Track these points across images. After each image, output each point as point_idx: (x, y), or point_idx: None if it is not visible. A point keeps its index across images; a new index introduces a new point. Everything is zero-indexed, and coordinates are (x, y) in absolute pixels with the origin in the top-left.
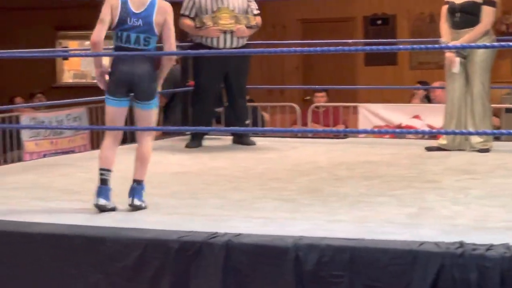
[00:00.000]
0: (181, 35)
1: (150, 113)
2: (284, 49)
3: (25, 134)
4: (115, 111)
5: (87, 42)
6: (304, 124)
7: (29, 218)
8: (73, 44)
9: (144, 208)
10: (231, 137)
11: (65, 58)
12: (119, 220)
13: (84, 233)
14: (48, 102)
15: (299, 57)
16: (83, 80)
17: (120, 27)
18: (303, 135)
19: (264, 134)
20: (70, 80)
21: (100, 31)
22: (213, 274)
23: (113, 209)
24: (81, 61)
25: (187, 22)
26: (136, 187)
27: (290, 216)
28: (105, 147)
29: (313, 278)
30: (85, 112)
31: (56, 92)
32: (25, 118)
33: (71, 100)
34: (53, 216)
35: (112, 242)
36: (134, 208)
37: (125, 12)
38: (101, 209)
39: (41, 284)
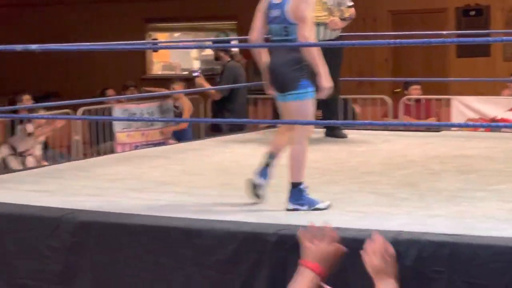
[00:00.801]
0: None
1: (291, 105)
2: (375, 41)
3: (117, 126)
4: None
5: (176, 34)
6: (395, 116)
7: (128, 210)
8: (161, 36)
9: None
10: (323, 130)
11: (155, 50)
12: (216, 213)
13: (181, 225)
14: (140, 95)
15: (389, 49)
16: (172, 72)
17: (267, 20)
18: (395, 128)
19: (355, 127)
20: (159, 72)
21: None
22: None
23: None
24: (169, 53)
25: None
26: (291, 190)
27: (386, 210)
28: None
29: (413, 273)
30: (172, 105)
31: (146, 84)
32: (117, 110)
33: (162, 92)
34: (150, 208)
35: (208, 235)
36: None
37: (269, 4)
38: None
39: (138, 275)
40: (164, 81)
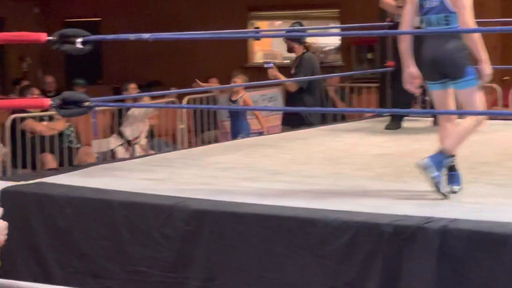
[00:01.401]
0: (380, 14)
1: (462, 93)
2: (482, 28)
3: (221, 115)
4: (438, 94)
5: (278, 22)
6: (505, 105)
7: (239, 198)
8: (263, 25)
9: (436, 178)
10: (431, 119)
11: (257, 38)
12: (329, 202)
13: (295, 214)
14: (248, 83)
15: (498, 36)
16: (273, 60)
17: (420, 12)
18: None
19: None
20: (261, 60)
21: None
22: (427, 259)
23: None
24: (271, 41)
25: (388, 0)
26: (437, 155)
27: (505, 201)
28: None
29: None
30: (279, 93)
31: (247, 72)
32: (222, 99)
33: (266, 81)
34: (263, 197)
35: (323, 225)
36: (422, 168)
37: None
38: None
39: (251, 264)
40: (265, 70)
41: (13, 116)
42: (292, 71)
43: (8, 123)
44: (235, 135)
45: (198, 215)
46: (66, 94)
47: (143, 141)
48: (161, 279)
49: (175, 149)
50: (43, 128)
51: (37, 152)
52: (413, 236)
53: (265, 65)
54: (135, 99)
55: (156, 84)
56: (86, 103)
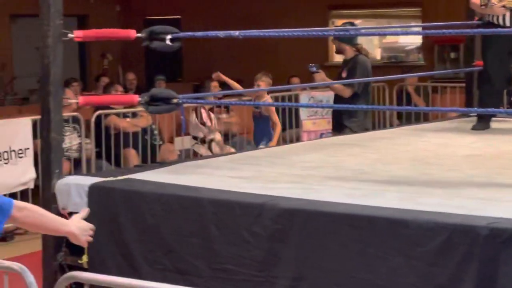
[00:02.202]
0: (468, 13)
1: None
2: None
3: (303, 113)
4: None
5: (358, 21)
6: None
7: (328, 198)
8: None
9: None
10: None
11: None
12: (421, 203)
13: (388, 215)
14: (327, 82)
15: None
16: None
17: None
18: None
19: None
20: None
21: None
22: None
23: None
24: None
25: (474, 0)
26: None
27: None
28: None
29: None
30: None
31: (327, 71)
32: (304, 97)
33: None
34: (352, 197)
35: (415, 226)
36: None
37: None
38: None
39: (341, 264)
40: None
41: (98, 112)
42: (344, 75)
43: (93, 119)
44: (257, 142)
45: (288, 213)
46: (155, 90)
47: (218, 137)
48: (249, 278)
49: (256, 147)
50: (127, 124)
51: (121, 148)
52: (511, 239)
53: (310, 69)
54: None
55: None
56: (175, 100)
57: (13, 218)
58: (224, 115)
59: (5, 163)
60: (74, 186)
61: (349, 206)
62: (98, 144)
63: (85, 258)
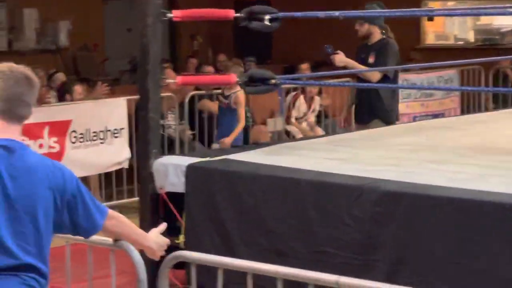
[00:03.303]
0: None
1: None
2: None
3: (397, 95)
4: None
5: (450, 3)
6: None
7: (429, 181)
8: (436, 6)
9: None
10: None
11: (430, 19)
12: None
13: (493, 199)
14: (420, 64)
15: None
16: (445, 42)
17: None
18: None
19: None
20: (432, 42)
21: None
22: None
23: None
24: (444, 22)
25: None
26: None
27: None
28: None
29: None
30: (456, 75)
31: (419, 54)
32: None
33: (442, 62)
34: (452, 180)
35: None
36: None
37: None
38: None
39: (443, 248)
40: (438, 51)
41: (191, 93)
42: (371, 60)
43: (187, 100)
44: (219, 136)
45: (389, 196)
46: (253, 71)
47: (310, 119)
48: (348, 261)
49: (347, 130)
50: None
51: (213, 129)
52: None
53: (327, 50)
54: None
55: (324, 64)
56: (273, 81)
57: (104, 225)
58: (317, 97)
59: (101, 143)
60: (171, 166)
61: (453, 190)
62: (191, 125)
63: (181, 238)
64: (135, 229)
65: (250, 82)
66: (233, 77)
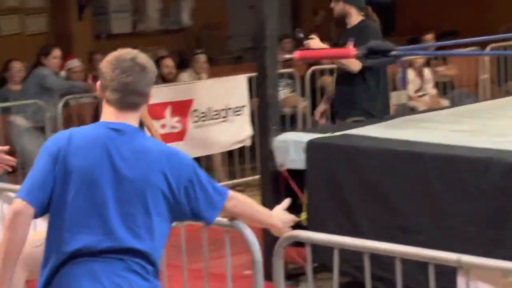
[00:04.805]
0: None
1: None
2: None
3: None
4: None
5: None
6: None
7: None
8: None
9: None
10: None
11: None
12: None
13: None
14: None
15: None
16: None
17: None
18: None
19: None
20: None
21: None
22: None
23: None
24: None
25: None
26: None
27: None
28: None
29: None
30: None
31: None
32: None
33: None
34: None
35: None
36: None
37: None
38: None
39: None
40: None
41: (312, 68)
42: (350, 45)
43: (307, 75)
44: None
45: None
46: (373, 43)
47: (433, 91)
48: (477, 236)
49: (476, 100)
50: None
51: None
52: None
53: (297, 35)
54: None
55: (452, 33)
56: (393, 52)
57: (223, 206)
58: (441, 68)
59: (223, 121)
60: (291, 143)
61: None
62: (313, 100)
63: (303, 215)
64: (257, 208)
65: (370, 55)
66: (352, 50)
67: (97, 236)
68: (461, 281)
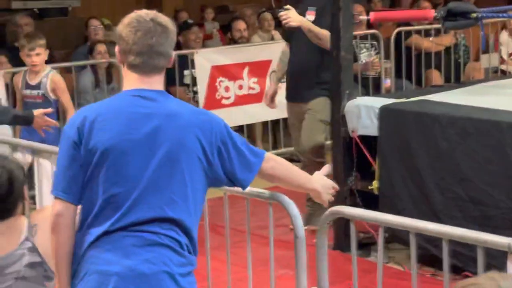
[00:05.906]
0: None
1: None
2: None
3: None
4: None
5: None
6: None
7: None
8: None
9: None
10: None
11: None
12: None
13: None
14: None
15: None
16: None
17: None
18: None
19: None
20: None
21: None
22: None
23: None
24: None
25: None
26: None
27: None
28: None
29: None
30: None
31: None
32: None
33: None
34: None
35: None
36: None
37: None
38: None
39: None
40: None
41: (398, 29)
42: (310, 17)
43: (393, 37)
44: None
45: None
46: (452, 4)
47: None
48: None
49: None
50: (429, 44)
51: (422, 68)
52: None
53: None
54: None
55: None
56: (474, 14)
57: (260, 168)
58: None
59: None
60: (364, 108)
61: None
62: (398, 63)
63: (375, 184)
64: (296, 171)
65: (449, 17)
66: (430, 12)
67: (128, 208)
68: (510, 266)
